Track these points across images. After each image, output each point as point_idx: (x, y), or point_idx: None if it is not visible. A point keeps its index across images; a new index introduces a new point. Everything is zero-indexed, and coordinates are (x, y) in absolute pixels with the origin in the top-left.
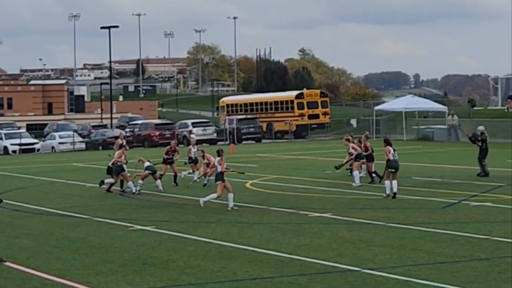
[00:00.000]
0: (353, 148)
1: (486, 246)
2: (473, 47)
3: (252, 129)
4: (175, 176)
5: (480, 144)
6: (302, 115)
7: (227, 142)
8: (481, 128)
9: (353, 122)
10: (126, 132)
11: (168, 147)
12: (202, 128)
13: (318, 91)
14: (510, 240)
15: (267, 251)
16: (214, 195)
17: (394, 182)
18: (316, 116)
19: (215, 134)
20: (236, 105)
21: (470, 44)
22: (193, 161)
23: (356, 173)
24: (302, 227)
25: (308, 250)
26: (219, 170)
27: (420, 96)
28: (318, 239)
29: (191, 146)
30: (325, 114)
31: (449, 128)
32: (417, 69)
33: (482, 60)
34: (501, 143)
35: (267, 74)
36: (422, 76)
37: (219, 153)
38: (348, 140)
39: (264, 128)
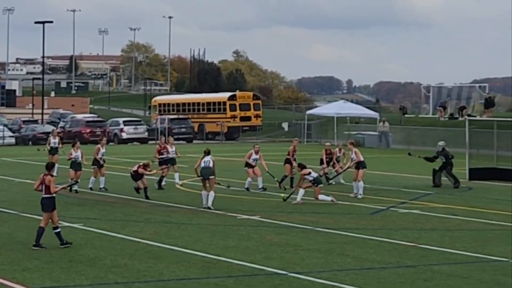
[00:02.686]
0: (356, 154)
1: (413, 253)
2: (406, 55)
3: (183, 129)
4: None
5: (443, 159)
6: (234, 117)
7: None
8: (441, 143)
9: (285, 125)
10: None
11: (158, 147)
12: (133, 126)
13: (251, 94)
14: (436, 248)
15: (195, 252)
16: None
17: (360, 183)
18: (248, 119)
19: (147, 133)
20: (169, 104)
21: (403, 52)
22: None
23: (361, 184)
24: (230, 229)
25: (236, 252)
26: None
27: (352, 102)
28: (246, 241)
29: (99, 146)
30: (257, 116)
31: (380, 134)
32: (350, 75)
33: (415, 68)
34: (432, 151)
35: (201, 74)
36: (355, 82)
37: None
38: (352, 144)
39: (196, 129)
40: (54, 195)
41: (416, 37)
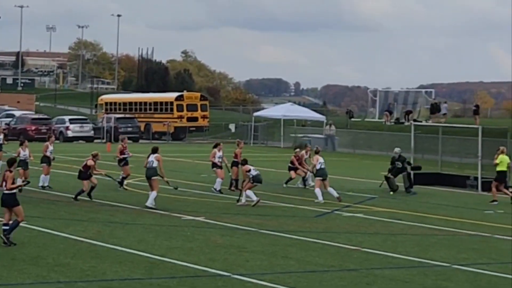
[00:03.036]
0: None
1: (356, 257)
2: (354, 59)
3: (130, 129)
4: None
5: (400, 165)
6: (181, 117)
7: (104, 141)
8: (397, 150)
9: (232, 127)
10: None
11: (121, 146)
12: (79, 125)
13: (198, 94)
14: (379, 252)
15: (138, 252)
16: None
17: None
18: (195, 119)
19: (92, 132)
20: (115, 103)
21: (351, 56)
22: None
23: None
24: (174, 229)
25: (180, 253)
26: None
27: (299, 104)
28: (190, 242)
29: (48, 143)
30: (204, 117)
31: (326, 137)
32: (298, 77)
33: (362, 72)
34: (377, 155)
35: (148, 74)
36: (302, 85)
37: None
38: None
39: (142, 128)
40: (13, 191)
41: (364, 42)
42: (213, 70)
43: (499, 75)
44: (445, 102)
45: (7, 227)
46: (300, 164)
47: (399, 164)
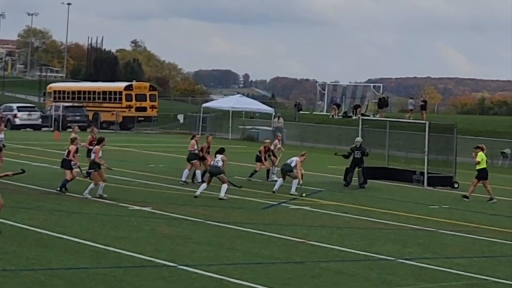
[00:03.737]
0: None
1: (302, 250)
2: (303, 52)
3: (78, 117)
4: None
5: (359, 155)
6: (129, 107)
7: (52, 129)
8: (359, 139)
9: (180, 117)
10: None
11: (90, 136)
12: (27, 112)
13: (147, 84)
14: (325, 245)
15: (84, 241)
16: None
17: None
18: (144, 109)
19: (40, 120)
20: (64, 92)
21: (300, 49)
22: None
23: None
24: (121, 219)
25: (126, 243)
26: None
27: (248, 96)
28: (136, 232)
29: None
30: (152, 107)
31: (274, 130)
32: (247, 69)
33: (311, 65)
34: (324, 148)
35: (98, 63)
36: (251, 77)
37: None
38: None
39: (91, 117)
40: None
41: (314, 35)
42: (163, 61)
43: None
44: (411, 98)
45: None
46: (273, 154)
47: (358, 154)
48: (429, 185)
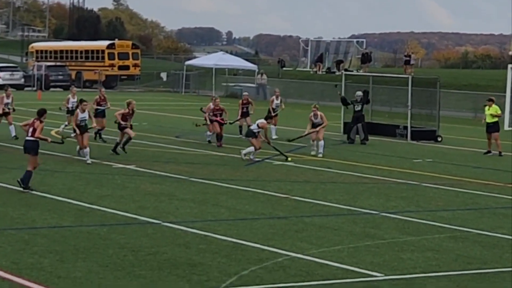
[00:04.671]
0: (322, 118)
1: (285, 205)
2: (286, 8)
3: (60, 77)
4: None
5: (359, 108)
6: (112, 65)
7: (35, 89)
8: (359, 93)
9: (163, 75)
10: None
11: (97, 97)
12: (9, 72)
13: (129, 43)
14: (309, 200)
15: (68, 200)
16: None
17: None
18: (127, 68)
19: (23, 80)
20: (46, 51)
21: (283, 5)
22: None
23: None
24: (105, 177)
25: (110, 201)
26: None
27: (231, 53)
28: (120, 190)
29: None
30: (135, 66)
31: (257, 86)
32: (230, 27)
33: (294, 21)
34: (308, 104)
35: (80, 22)
36: (234, 34)
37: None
38: (317, 108)
39: (73, 77)
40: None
41: None
42: (145, 19)
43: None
44: (412, 53)
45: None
46: (270, 112)
47: (358, 106)
48: (412, 139)
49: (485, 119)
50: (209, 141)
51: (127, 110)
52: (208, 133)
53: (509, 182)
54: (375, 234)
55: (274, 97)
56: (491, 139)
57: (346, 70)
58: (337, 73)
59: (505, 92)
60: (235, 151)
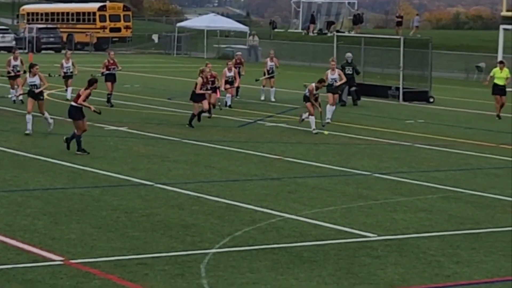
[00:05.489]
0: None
1: (278, 166)
2: None
3: (52, 39)
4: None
5: (350, 71)
6: (103, 27)
7: (26, 51)
8: (349, 55)
9: (155, 37)
10: None
11: (106, 61)
12: (0, 35)
13: (121, 5)
14: (301, 161)
15: (61, 162)
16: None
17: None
18: (118, 30)
19: (14, 42)
20: (37, 13)
21: None
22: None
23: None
24: (97, 139)
25: (102, 163)
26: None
27: (223, 15)
28: (113, 152)
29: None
30: (127, 28)
31: (249, 48)
32: None
33: None
34: (299, 66)
35: None
36: None
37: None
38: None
39: (65, 39)
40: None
41: None
42: None
43: None
44: (417, 15)
45: (80, 138)
46: (266, 74)
47: (349, 70)
48: (404, 100)
49: (489, 81)
50: (230, 106)
51: (201, 80)
52: (228, 95)
53: (501, 142)
54: (367, 195)
55: (268, 59)
56: (500, 102)
57: (337, 31)
58: (329, 34)
59: (496, 53)
60: (228, 113)
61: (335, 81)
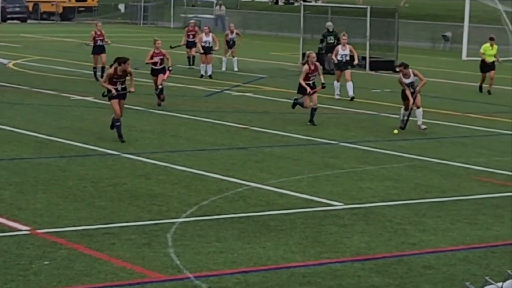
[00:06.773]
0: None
1: (245, 135)
2: None
3: (17, 9)
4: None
5: (332, 40)
6: None
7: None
8: (330, 24)
9: (121, 7)
10: None
11: (93, 33)
12: None
13: None
14: (268, 131)
15: (27, 132)
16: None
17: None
18: None
19: None
20: None
21: None
22: None
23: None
24: (63, 109)
25: (69, 133)
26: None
27: None
28: (79, 122)
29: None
30: None
31: (216, 18)
32: None
33: None
34: (266, 35)
35: None
36: None
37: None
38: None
39: (31, 9)
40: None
41: None
42: None
43: None
44: None
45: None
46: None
47: (331, 39)
48: (371, 69)
49: (481, 58)
50: (202, 76)
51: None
52: (202, 65)
53: (467, 111)
54: (334, 164)
55: (228, 31)
56: (486, 78)
57: (304, 0)
58: (296, 4)
59: (463, 22)
60: (195, 82)
61: (346, 56)
